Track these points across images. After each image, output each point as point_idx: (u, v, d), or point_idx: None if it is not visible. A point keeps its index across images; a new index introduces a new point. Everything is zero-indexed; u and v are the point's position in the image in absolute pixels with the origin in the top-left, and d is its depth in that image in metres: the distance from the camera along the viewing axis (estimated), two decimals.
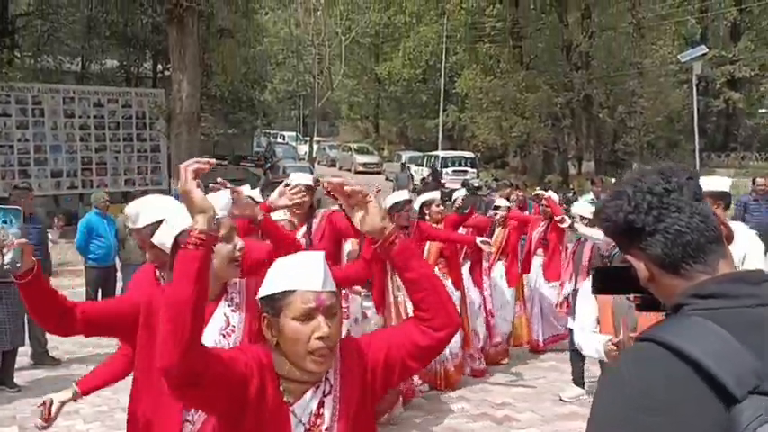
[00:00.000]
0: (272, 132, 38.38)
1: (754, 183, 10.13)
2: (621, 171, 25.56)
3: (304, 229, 4.45)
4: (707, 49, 21.14)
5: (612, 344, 2.84)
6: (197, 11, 15.03)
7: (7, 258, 1.95)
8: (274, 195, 4.10)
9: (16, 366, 6.24)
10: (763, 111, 22.53)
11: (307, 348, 1.62)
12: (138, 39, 22.11)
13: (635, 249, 1.23)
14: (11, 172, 16.54)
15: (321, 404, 1.67)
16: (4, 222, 2.01)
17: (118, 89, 20.29)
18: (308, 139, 37.89)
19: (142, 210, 2.59)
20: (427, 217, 6.17)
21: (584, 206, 6.29)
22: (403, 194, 5.65)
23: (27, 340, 6.51)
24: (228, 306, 2.22)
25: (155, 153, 19.23)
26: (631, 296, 1.41)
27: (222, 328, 2.16)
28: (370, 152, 37.42)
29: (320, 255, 1.72)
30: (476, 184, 25.08)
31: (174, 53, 15.50)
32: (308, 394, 1.67)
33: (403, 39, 36.63)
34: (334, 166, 36.90)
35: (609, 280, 1.46)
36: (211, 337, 2.11)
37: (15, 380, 6.12)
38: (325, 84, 31.36)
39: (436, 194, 6.58)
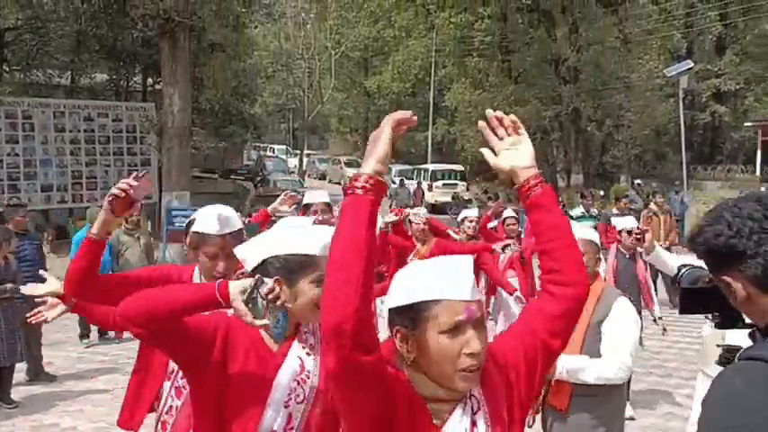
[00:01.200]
0: (261, 146, 38.43)
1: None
2: (609, 183, 25.77)
3: None
4: (692, 64, 21.43)
5: None
6: (188, 25, 15.07)
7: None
8: (277, 202, 4.20)
9: (12, 383, 6.20)
10: (749, 124, 22.81)
11: (456, 366, 1.43)
12: (127, 52, 22.11)
13: (734, 271, 1.32)
14: (0, 186, 16.46)
15: (473, 423, 1.48)
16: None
17: (108, 103, 20.27)
18: (297, 152, 37.94)
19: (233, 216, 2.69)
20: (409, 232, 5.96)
21: (627, 220, 6.25)
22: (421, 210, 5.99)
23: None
24: (303, 348, 1.98)
25: (145, 167, 19.14)
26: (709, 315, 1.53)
27: (297, 374, 1.93)
28: (360, 165, 37.52)
29: (468, 259, 1.51)
30: (466, 197, 25.24)
31: (165, 67, 15.52)
32: (457, 414, 1.48)
33: (392, 53, 36.84)
34: (324, 179, 36.93)
35: (695, 299, 1.57)
36: (285, 381, 1.91)
37: (12, 396, 6.08)
38: (315, 97, 31.46)
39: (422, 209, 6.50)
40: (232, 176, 32.57)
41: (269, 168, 31.13)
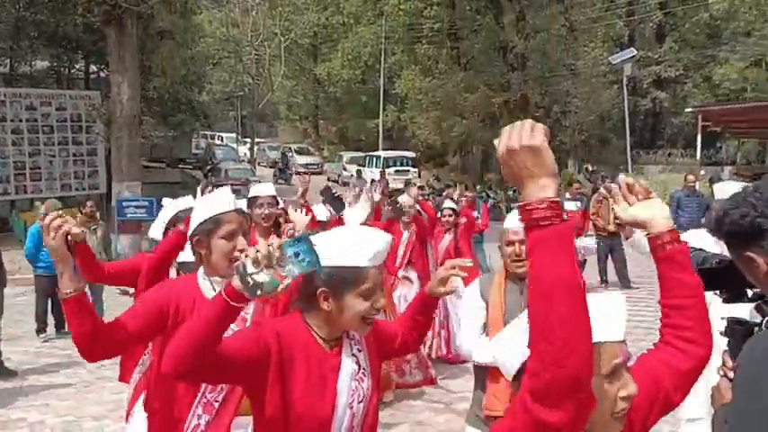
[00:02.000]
0: (210, 134, 37.83)
1: (685, 179, 10.69)
2: (558, 168, 26.39)
3: None
4: (635, 52, 22.12)
5: None
6: (136, 12, 14.74)
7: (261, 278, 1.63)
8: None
9: None
10: (689, 110, 23.68)
11: (613, 410, 1.36)
12: (69, 39, 21.44)
13: (757, 248, 1.50)
14: None
15: None
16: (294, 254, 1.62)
17: (51, 91, 19.65)
18: (247, 140, 37.51)
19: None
20: None
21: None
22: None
23: None
24: (354, 345, 1.95)
25: (92, 157, 18.72)
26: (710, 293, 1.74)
27: (355, 373, 1.90)
28: (311, 153, 37.37)
29: (622, 298, 1.46)
30: (418, 184, 25.48)
31: (112, 55, 15.15)
32: None
33: (341, 39, 36.69)
34: (274, 167, 36.66)
35: (713, 278, 1.79)
36: (346, 383, 1.87)
37: None
38: (265, 85, 31.10)
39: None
40: (180, 166, 32.03)
41: (219, 157, 30.70)
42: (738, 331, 1.80)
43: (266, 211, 3.96)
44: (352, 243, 1.83)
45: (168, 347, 1.71)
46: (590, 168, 18.83)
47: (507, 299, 3.06)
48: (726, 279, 1.71)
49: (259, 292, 1.59)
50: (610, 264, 10.80)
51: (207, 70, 29.49)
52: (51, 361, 7.21)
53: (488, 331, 3.06)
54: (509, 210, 19.74)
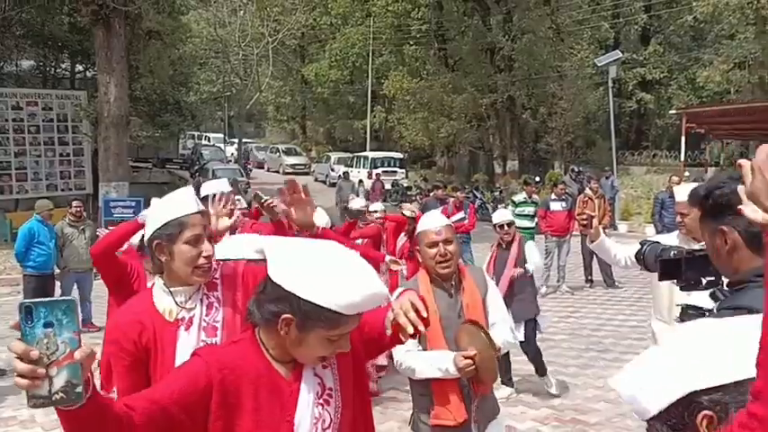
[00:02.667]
0: (196, 134, 37.73)
1: (670, 180, 10.84)
2: (544, 169, 26.59)
3: None
4: (621, 54, 22.33)
5: (467, 358, 2.69)
6: (123, 12, 14.73)
7: (58, 382, 1.23)
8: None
9: None
10: (673, 112, 23.92)
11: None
12: (55, 38, 21.36)
13: (733, 223, 1.67)
14: None
15: None
16: (49, 324, 1.25)
17: (37, 91, 19.57)
18: (234, 140, 37.43)
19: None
20: None
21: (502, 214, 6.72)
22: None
23: None
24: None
25: (78, 157, 18.67)
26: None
27: (318, 396, 1.67)
28: (299, 153, 37.38)
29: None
30: (405, 184, 25.58)
31: (99, 55, 15.14)
32: None
33: (329, 40, 36.72)
34: (262, 167, 36.65)
35: (670, 268, 1.98)
36: (307, 410, 1.64)
37: None
38: (253, 85, 31.06)
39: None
40: (167, 166, 31.93)
41: (206, 157, 30.66)
42: (693, 317, 1.93)
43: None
44: (343, 283, 1.54)
45: None
46: (576, 169, 18.96)
47: (440, 305, 2.89)
48: (682, 269, 1.88)
49: (78, 391, 1.24)
50: (594, 263, 10.95)
51: (194, 70, 29.41)
52: None
53: (427, 343, 2.87)
54: (496, 210, 19.86)
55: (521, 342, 5.77)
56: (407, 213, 7.11)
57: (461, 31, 28.27)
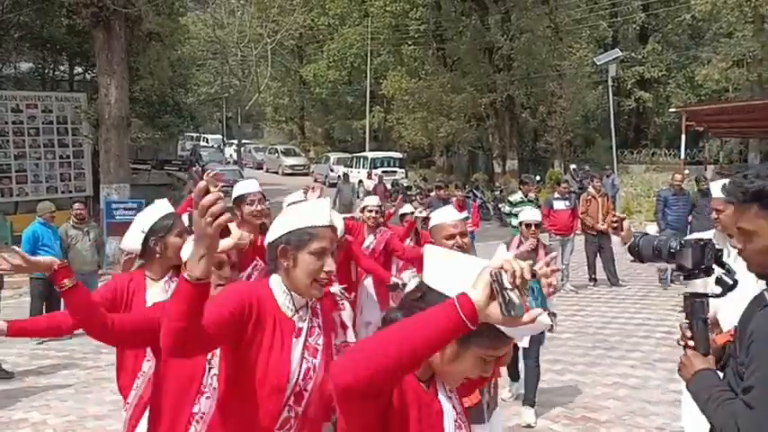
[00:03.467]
0: (195, 135, 37.71)
1: (672, 179, 10.85)
2: (543, 168, 26.61)
3: None
4: (620, 53, 22.35)
5: None
6: (124, 14, 14.70)
7: None
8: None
9: None
10: (673, 110, 23.94)
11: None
12: (54, 41, 21.32)
13: None
14: None
15: None
16: None
17: (36, 93, 19.53)
18: (233, 141, 37.41)
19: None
20: None
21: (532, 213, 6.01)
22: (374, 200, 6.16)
23: None
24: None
25: (78, 159, 18.63)
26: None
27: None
28: (297, 154, 37.36)
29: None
30: (405, 184, 25.57)
31: (100, 57, 15.11)
32: None
33: (327, 41, 36.71)
34: (261, 168, 36.63)
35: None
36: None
37: None
38: (251, 86, 31.06)
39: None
40: (166, 168, 31.89)
41: (205, 158, 30.64)
42: (698, 304, 2.01)
43: (258, 208, 3.97)
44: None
45: (357, 357, 1.35)
46: (576, 167, 18.97)
47: None
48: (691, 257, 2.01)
49: (512, 312, 1.30)
50: (598, 261, 10.96)
51: (193, 72, 29.40)
52: (47, 363, 7.21)
53: None
54: (496, 210, 19.87)
55: (523, 348, 5.44)
56: (411, 210, 6.96)
57: (460, 31, 28.26)
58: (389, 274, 5.75)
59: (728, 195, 1.89)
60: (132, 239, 3.01)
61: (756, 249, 1.83)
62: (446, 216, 3.28)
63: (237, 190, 4.08)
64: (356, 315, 5.60)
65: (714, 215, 3.57)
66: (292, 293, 2.13)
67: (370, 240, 5.90)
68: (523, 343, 5.28)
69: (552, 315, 5.13)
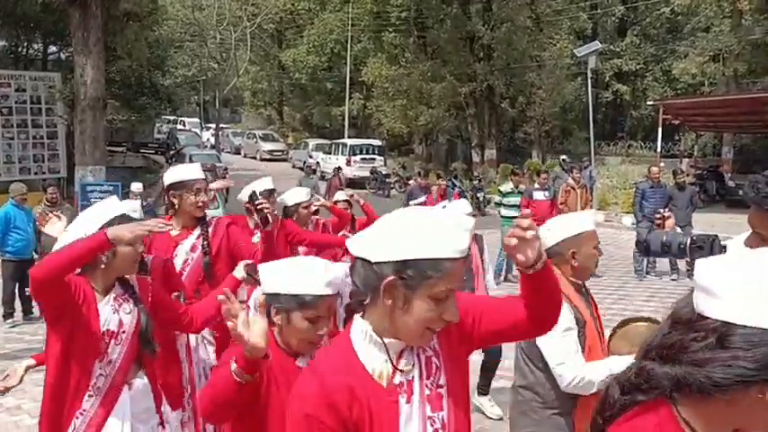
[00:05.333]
0: (172, 118, 37.25)
1: (649, 171, 10.99)
2: (521, 159, 26.76)
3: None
4: (600, 45, 22.49)
5: None
6: None
7: None
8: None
9: None
10: (650, 103, 24.19)
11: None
12: (28, 19, 20.86)
13: None
14: None
15: None
16: None
17: (10, 72, 19.10)
18: (210, 125, 37.03)
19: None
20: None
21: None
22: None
23: None
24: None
25: (52, 140, 18.31)
26: None
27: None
28: (276, 139, 37.08)
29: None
30: (384, 172, 25.56)
31: (75, 36, 14.79)
32: None
33: (307, 26, 36.40)
34: (239, 153, 36.32)
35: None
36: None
37: None
38: (230, 70, 30.72)
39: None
40: (142, 150, 31.50)
41: (182, 142, 30.27)
42: None
43: (202, 198, 3.57)
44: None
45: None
46: (567, 159, 19.11)
47: None
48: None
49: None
50: None
51: (170, 54, 28.98)
52: (20, 347, 7.10)
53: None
54: (474, 198, 19.95)
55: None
56: (344, 197, 5.98)
57: (440, 19, 28.17)
58: (341, 237, 5.14)
59: (751, 201, 1.91)
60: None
61: None
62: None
63: (177, 174, 3.57)
64: None
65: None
66: (384, 340, 1.49)
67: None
68: None
69: None
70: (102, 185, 14.31)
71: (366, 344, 1.49)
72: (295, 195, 5.38)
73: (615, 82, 32.83)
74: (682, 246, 2.15)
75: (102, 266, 2.52)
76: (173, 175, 3.59)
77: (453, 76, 26.61)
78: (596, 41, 22.69)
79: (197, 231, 3.56)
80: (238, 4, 30.71)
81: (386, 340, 1.47)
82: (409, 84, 27.58)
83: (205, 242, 3.52)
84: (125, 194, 10.42)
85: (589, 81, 20.28)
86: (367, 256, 1.44)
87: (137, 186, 10.17)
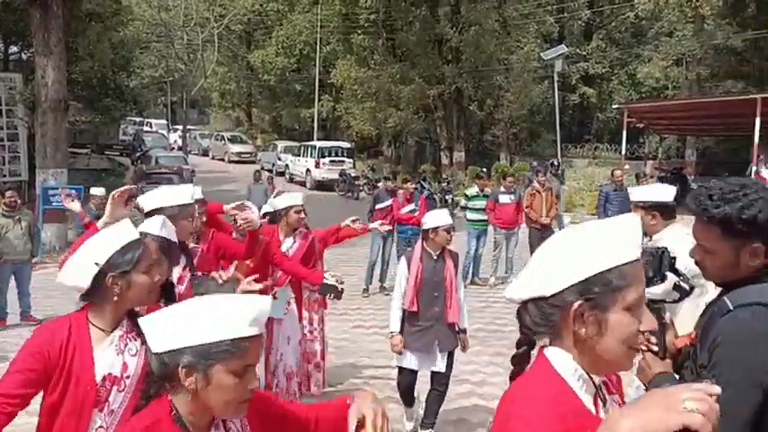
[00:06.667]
0: (138, 120, 36.72)
1: (612, 174, 11.11)
2: (490, 161, 26.93)
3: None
4: (566, 48, 22.79)
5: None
6: None
7: None
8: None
9: None
10: (615, 106, 24.57)
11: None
12: None
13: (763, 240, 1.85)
14: None
15: None
16: None
17: None
18: (178, 127, 36.59)
19: None
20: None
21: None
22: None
23: None
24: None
25: (12, 142, 17.93)
26: None
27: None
28: (244, 141, 36.78)
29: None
30: (353, 174, 25.50)
31: (36, 37, 14.51)
32: None
33: (276, 27, 36.19)
34: (207, 155, 35.95)
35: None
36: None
37: None
38: (198, 71, 30.40)
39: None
40: (107, 152, 31.00)
41: (148, 144, 29.84)
42: (654, 311, 2.06)
43: (196, 223, 3.64)
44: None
45: None
46: (555, 163, 19.22)
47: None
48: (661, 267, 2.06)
49: None
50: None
51: (136, 54, 28.56)
52: None
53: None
54: (443, 200, 20.03)
55: (437, 373, 4.82)
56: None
57: (409, 22, 28.23)
58: (319, 273, 4.81)
59: (693, 213, 1.93)
60: (79, 273, 2.19)
61: (715, 266, 1.93)
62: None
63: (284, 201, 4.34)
64: (272, 328, 4.95)
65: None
66: (585, 375, 1.33)
67: (288, 244, 5.13)
68: (437, 367, 4.78)
69: (462, 332, 4.86)
70: (65, 188, 14.04)
71: (574, 378, 1.32)
72: (288, 199, 5.23)
73: (582, 85, 33.26)
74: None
75: (115, 299, 2.17)
76: (154, 201, 3.33)
77: (422, 78, 26.69)
78: (563, 45, 23.01)
79: (182, 261, 3.41)
80: (206, 5, 30.41)
81: (594, 376, 1.33)
82: (378, 86, 27.59)
83: (192, 273, 3.43)
84: (88, 197, 10.19)
85: (556, 84, 20.53)
86: (537, 294, 1.32)
87: (98, 191, 9.96)
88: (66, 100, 14.87)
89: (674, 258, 2.07)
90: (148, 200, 3.34)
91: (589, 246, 1.29)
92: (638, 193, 3.84)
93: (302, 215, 5.13)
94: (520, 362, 1.42)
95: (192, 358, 1.46)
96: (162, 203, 3.28)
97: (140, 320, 1.59)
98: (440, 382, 4.82)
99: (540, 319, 1.33)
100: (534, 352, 1.41)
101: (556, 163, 18.99)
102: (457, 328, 4.82)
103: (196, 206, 3.65)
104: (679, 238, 3.47)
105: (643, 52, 30.37)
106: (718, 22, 26.59)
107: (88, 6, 15.35)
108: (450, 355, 4.82)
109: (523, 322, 1.38)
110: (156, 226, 2.77)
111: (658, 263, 2.05)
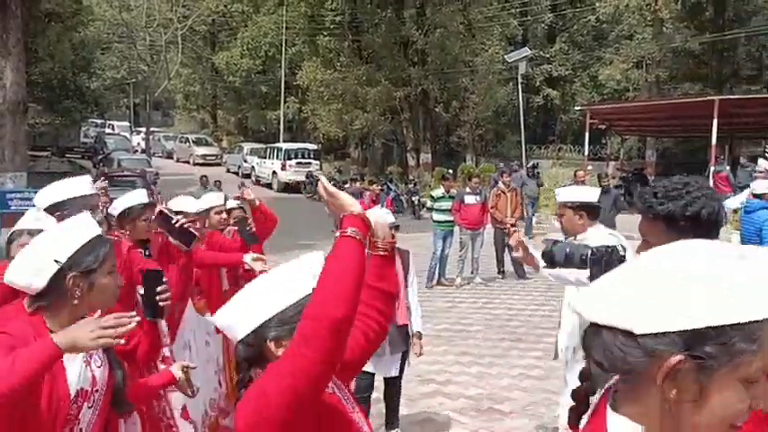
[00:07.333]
0: (100, 122, 36.12)
1: (575, 175, 11.29)
2: (456, 162, 27.13)
3: None
4: (530, 51, 23.09)
5: None
6: None
7: None
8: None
9: None
10: (578, 108, 24.96)
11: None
12: None
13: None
14: None
15: None
16: None
17: None
18: (141, 129, 36.07)
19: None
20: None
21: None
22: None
23: None
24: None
25: None
26: None
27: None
28: (209, 143, 36.45)
29: None
30: (321, 175, 25.43)
31: None
32: None
33: (240, 28, 35.93)
34: (171, 158, 35.53)
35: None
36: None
37: None
38: (161, 72, 30.00)
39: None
40: (68, 155, 30.43)
41: (110, 146, 29.37)
42: None
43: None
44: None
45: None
46: (535, 164, 19.46)
47: None
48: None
49: None
50: (506, 255, 11.27)
51: (97, 55, 28.08)
52: None
53: None
54: (410, 202, 20.14)
55: (391, 378, 4.78)
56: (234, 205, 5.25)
57: (375, 24, 28.30)
58: (239, 256, 4.46)
59: (639, 210, 2.00)
60: (33, 271, 1.93)
61: None
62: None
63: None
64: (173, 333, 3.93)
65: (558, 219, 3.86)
66: None
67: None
68: (391, 373, 4.75)
69: (417, 336, 4.75)
70: (24, 192, 13.72)
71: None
72: (208, 200, 4.86)
73: (545, 87, 33.70)
74: (583, 257, 2.21)
75: (75, 302, 1.95)
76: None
77: (388, 80, 26.76)
78: (526, 48, 23.29)
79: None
80: (168, 6, 30.03)
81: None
82: (344, 88, 27.58)
83: None
84: None
85: (520, 86, 20.77)
86: (624, 325, 0.92)
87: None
88: (25, 102, 14.55)
89: (624, 257, 2.14)
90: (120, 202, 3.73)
91: (721, 283, 0.88)
92: (565, 194, 3.93)
93: (224, 216, 4.85)
94: (578, 398, 1.08)
95: (278, 328, 1.52)
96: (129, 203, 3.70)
97: (214, 319, 1.64)
98: (393, 384, 4.84)
99: (618, 360, 0.93)
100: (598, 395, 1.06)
101: (532, 165, 19.26)
102: (410, 332, 4.69)
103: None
104: (603, 236, 3.61)
105: (604, 55, 30.90)
106: (677, 26, 27.22)
107: (47, 6, 15.06)
108: (404, 359, 4.76)
109: (590, 352, 0.98)
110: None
111: (608, 262, 2.11)
